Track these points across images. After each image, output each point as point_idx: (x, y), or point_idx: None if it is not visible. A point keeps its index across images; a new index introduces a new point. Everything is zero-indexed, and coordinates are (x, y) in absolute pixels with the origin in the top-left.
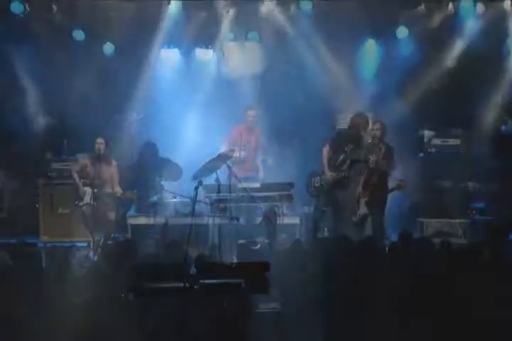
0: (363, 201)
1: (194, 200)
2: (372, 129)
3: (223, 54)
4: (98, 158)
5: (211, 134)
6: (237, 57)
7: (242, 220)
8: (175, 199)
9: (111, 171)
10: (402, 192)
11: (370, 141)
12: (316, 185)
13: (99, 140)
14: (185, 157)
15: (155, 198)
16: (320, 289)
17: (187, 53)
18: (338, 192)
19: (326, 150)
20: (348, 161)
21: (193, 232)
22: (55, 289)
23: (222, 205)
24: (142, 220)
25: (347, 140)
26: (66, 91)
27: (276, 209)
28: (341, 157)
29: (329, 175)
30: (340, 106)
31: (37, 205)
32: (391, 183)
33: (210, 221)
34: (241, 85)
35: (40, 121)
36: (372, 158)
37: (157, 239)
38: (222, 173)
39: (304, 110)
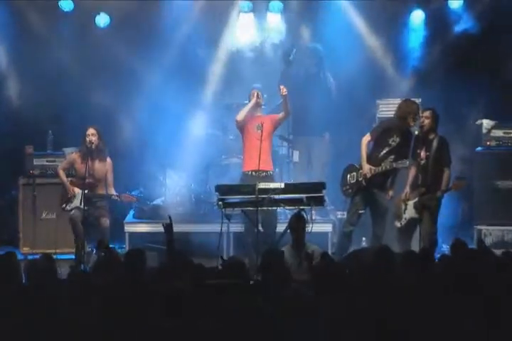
0: (410, 203)
1: (204, 204)
2: (421, 117)
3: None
4: (90, 153)
5: (223, 127)
6: (255, 32)
7: (261, 227)
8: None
9: (105, 169)
10: (459, 190)
11: (418, 132)
12: (352, 181)
13: (91, 130)
14: (194, 153)
15: (158, 201)
16: (357, 318)
17: (195, 28)
18: (379, 191)
19: (365, 140)
20: (393, 156)
21: (203, 242)
22: (38, 311)
23: (237, 209)
24: (142, 227)
25: (392, 131)
26: (51, 71)
27: (304, 215)
28: (384, 151)
29: (367, 168)
30: (381, 89)
31: (16, 209)
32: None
33: (224, 228)
34: (259, 67)
35: (19, 107)
36: (422, 153)
37: (159, 250)
38: (237, 171)
39: (336, 95)
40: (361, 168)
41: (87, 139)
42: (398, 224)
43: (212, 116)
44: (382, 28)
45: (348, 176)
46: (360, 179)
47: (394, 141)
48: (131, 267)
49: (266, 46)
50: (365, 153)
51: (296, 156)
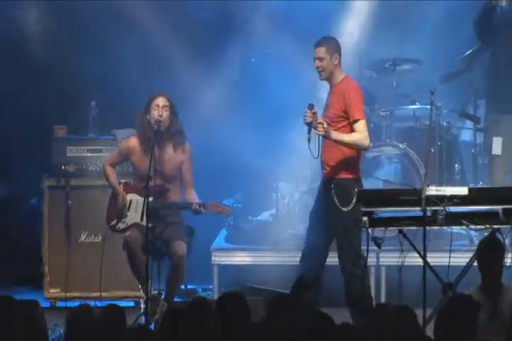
0: None
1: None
2: None
3: None
4: (157, 136)
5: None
6: None
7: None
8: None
9: (180, 161)
10: None
11: None
12: None
13: (161, 100)
14: None
15: (266, 215)
16: None
17: None
18: None
19: None
20: None
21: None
22: None
23: (392, 229)
24: (239, 257)
25: None
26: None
27: (501, 239)
28: None
29: None
30: None
31: (38, 228)
32: None
33: (372, 259)
34: None
35: (48, 67)
36: None
37: (266, 293)
38: (393, 166)
39: None
40: None
41: (155, 114)
42: None
43: None
44: None
45: None
46: None
47: None
48: (225, 325)
49: None
50: None
51: (497, 146)
